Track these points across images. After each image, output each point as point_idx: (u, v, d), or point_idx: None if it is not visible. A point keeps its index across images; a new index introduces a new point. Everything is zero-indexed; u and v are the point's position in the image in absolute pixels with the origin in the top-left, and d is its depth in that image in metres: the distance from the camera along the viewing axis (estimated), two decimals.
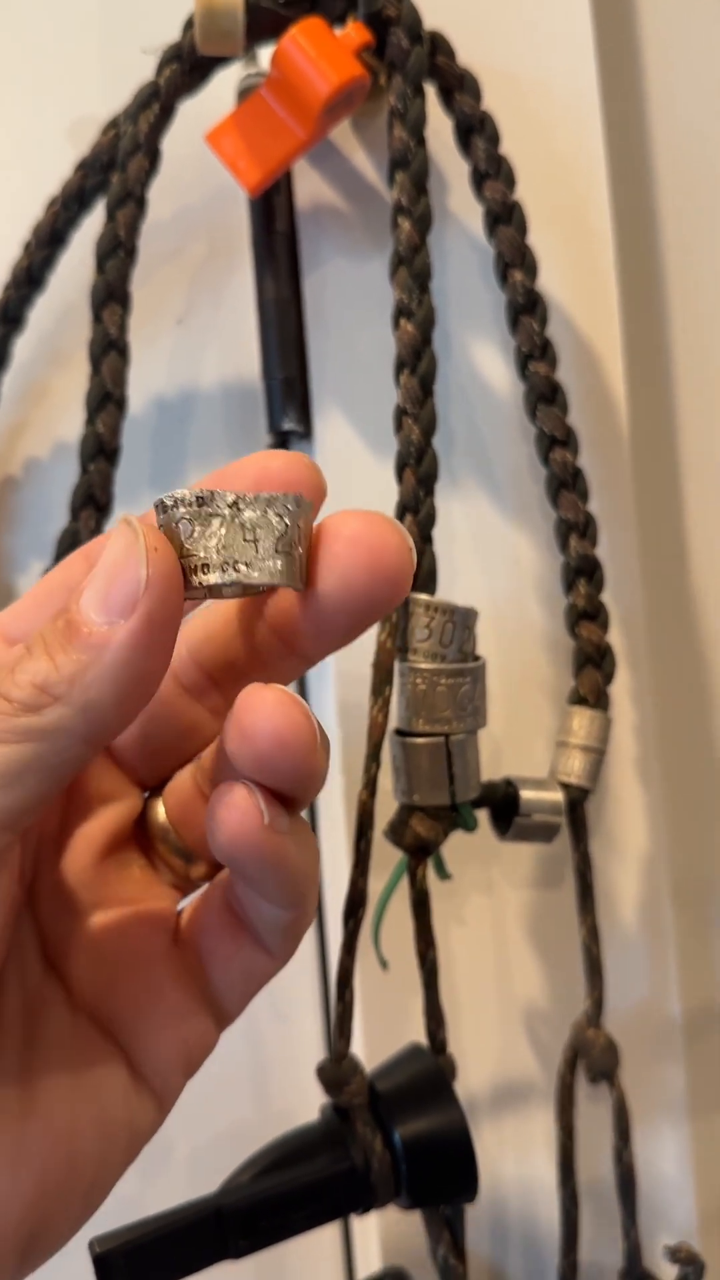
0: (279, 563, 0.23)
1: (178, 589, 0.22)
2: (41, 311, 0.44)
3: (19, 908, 0.27)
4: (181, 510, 0.22)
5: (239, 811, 0.23)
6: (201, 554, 0.22)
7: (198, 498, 0.22)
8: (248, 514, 0.22)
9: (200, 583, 0.23)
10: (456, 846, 0.41)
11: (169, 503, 0.23)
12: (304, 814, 0.45)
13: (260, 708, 0.23)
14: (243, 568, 0.22)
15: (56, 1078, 0.26)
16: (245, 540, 0.22)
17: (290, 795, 0.25)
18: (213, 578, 0.22)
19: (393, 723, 0.37)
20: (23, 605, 0.26)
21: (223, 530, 0.22)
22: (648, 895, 0.44)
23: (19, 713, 0.22)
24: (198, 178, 0.45)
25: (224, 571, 0.22)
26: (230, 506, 0.22)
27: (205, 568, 0.22)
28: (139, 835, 0.29)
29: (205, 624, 0.27)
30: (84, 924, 0.27)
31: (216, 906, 0.28)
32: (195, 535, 0.22)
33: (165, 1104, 0.28)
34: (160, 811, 0.29)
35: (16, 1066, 0.26)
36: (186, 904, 0.29)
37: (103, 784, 0.28)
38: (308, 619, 0.24)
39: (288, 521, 0.23)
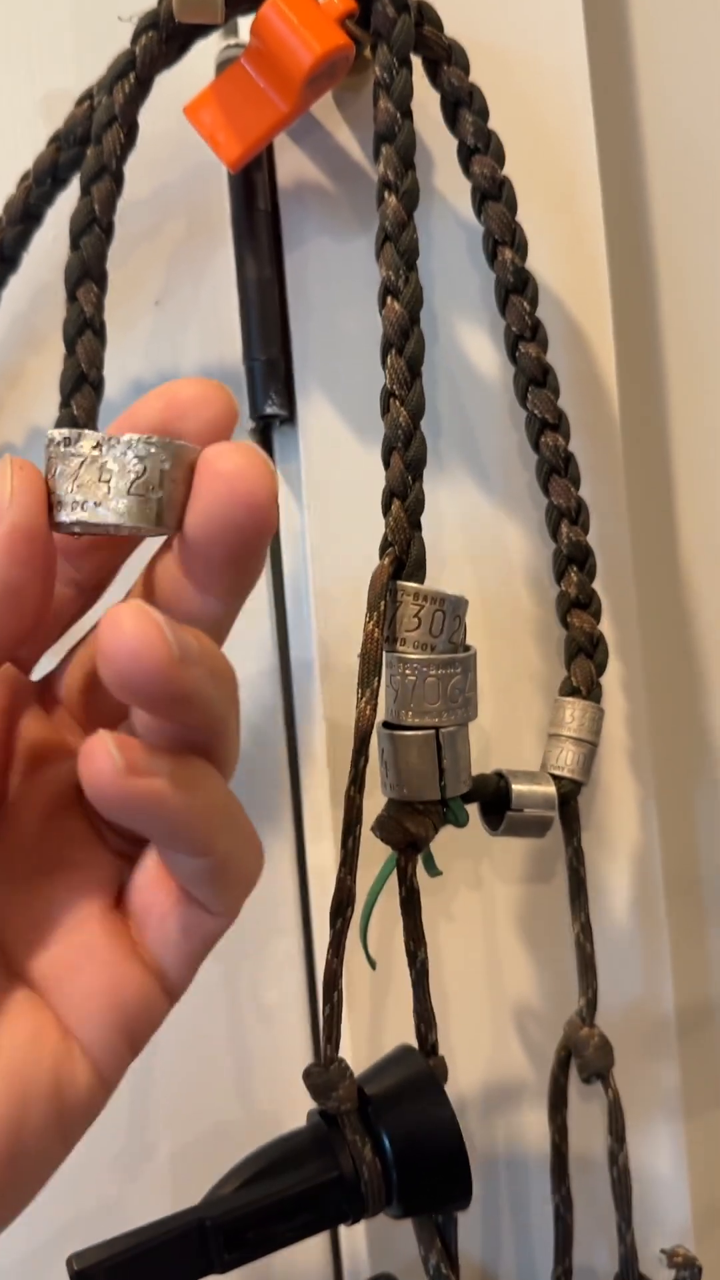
0: (127, 503, 0.23)
1: (40, 505, 0.23)
2: (14, 291, 0.42)
3: None
4: (50, 449, 0.24)
5: (93, 760, 0.24)
6: (59, 492, 0.24)
7: (64, 437, 0.23)
8: (107, 456, 0.23)
9: (55, 519, 0.24)
10: (444, 841, 0.40)
11: (47, 439, 0.24)
12: (288, 808, 0.44)
13: (114, 625, 0.23)
14: (90, 507, 0.23)
15: None
16: (100, 481, 0.23)
17: (174, 722, 0.24)
18: (63, 515, 0.24)
19: (380, 715, 0.36)
20: None
21: (81, 470, 0.23)
22: (640, 890, 0.43)
23: None
24: (175, 154, 0.43)
25: (72, 510, 0.24)
26: (94, 448, 0.23)
27: (59, 505, 0.24)
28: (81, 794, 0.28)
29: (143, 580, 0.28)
30: (21, 886, 0.27)
31: (147, 863, 0.28)
32: (57, 473, 0.24)
33: (106, 1074, 0.27)
34: None
35: None
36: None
37: (44, 739, 0.28)
38: (185, 555, 0.25)
39: (145, 465, 0.23)
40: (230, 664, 0.25)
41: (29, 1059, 0.26)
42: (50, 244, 0.42)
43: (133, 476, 0.23)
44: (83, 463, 0.23)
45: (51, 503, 0.24)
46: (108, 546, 0.28)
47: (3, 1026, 0.26)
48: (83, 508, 0.23)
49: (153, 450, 0.23)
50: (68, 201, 0.40)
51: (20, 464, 0.24)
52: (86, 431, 0.23)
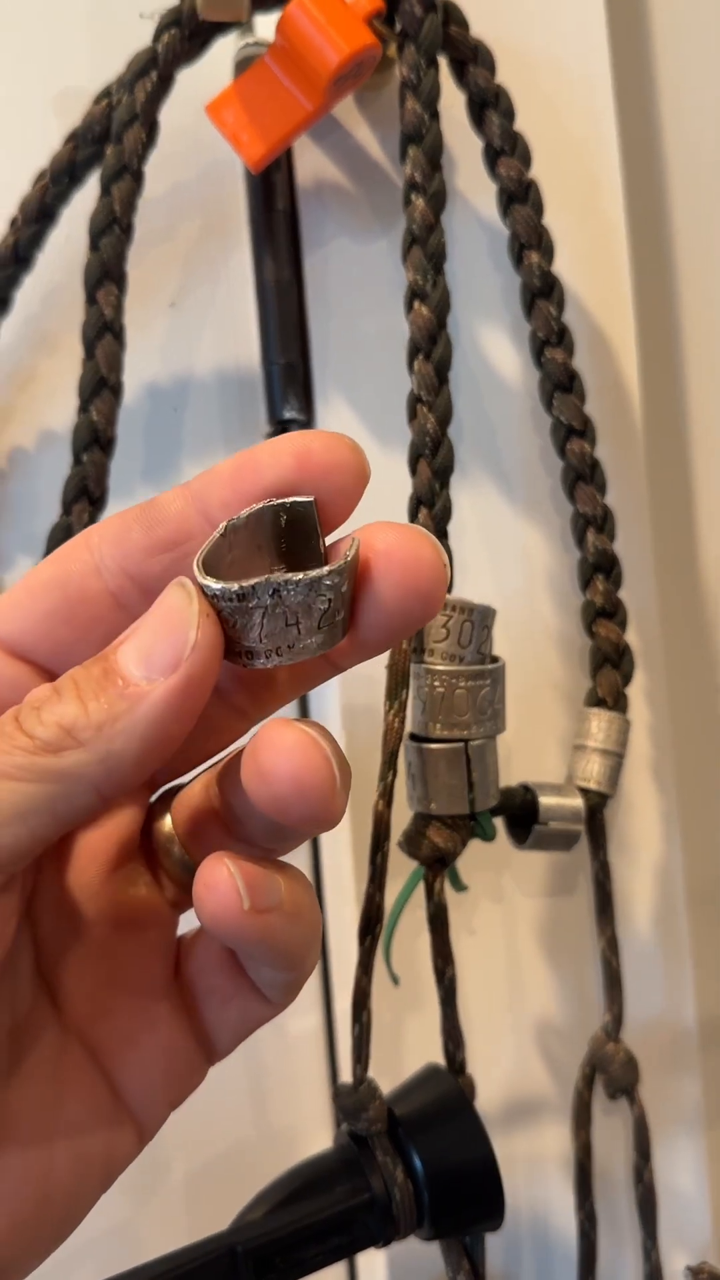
0: (319, 639, 0.23)
1: (219, 659, 0.22)
2: (26, 293, 0.42)
3: (19, 921, 0.25)
4: (223, 604, 0.22)
5: (218, 894, 0.23)
6: (247, 642, 0.22)
7: (238, 593, 0.22)
8: (290, 600, 0.22)
9: (247, 665, 0.23)
10: (465, 854, 0.39)
11: (208, 591, 0.22)
12: None
13: (280, 747, 0.22)
14: (285, 653, 0.23)
15: (37, 1107, 0.25)
16: (287, 626, 0.22)
17: (298, 836, 0.25)
18: (258, 663, 0.23)
19: (408, 728, 0.36)
20: (13, 599, 0.24)
21: (264, 621, 0.22)
22: (662, 903, 0.43)
23: (39, 752, 0.21)
24: (192, 152, 0.43)
25: (268, 658, 0.23)
26: (272, 597, 0.22)
27: (250, 654, 0.23)
28: (143, 845, 0.27)
29: None
30: (85, 944, 0.26)
31: (217, 947, 0.27)
32: (238, 625, 0.22)
33: (145, 1136, 0.27)
34: (167, 821, 0.27)
35: None
36: (185, 931, 0.28)
37: None
38: (348, 641, 0.24)
39: (329, 598, 0.22)
40: (347, 762, 0.24)
41: (94, 1135, 0.26)
42: (63, 244, 0.41)
43: (320, 613, 0.22)
44: (264, 614, 0.22)
45: (239, 650, 0.22)
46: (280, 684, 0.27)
47: (67, 1097, 0.25)
48: (278, 654, 0.22)
49: (333, 583, 0.22)
50: (83, 199, 0.39)
51: (207, 610, 0.22)
52: (257, 584, 0.22)
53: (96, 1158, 0.26)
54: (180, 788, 0.27)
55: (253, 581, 0.22)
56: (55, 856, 0.26)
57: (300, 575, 0.22)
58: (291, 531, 0.23)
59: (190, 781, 0.27)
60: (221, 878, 0.23)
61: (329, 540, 0.24)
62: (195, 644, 0.21)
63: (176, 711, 0.22)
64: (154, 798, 0.28)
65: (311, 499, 0.23)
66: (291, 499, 0.23)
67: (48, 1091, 0.25)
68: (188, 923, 0.27)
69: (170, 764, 0.27)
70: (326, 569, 0.22)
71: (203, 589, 0.22)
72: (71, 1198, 0.25)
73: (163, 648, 0.22)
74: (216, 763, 0.27)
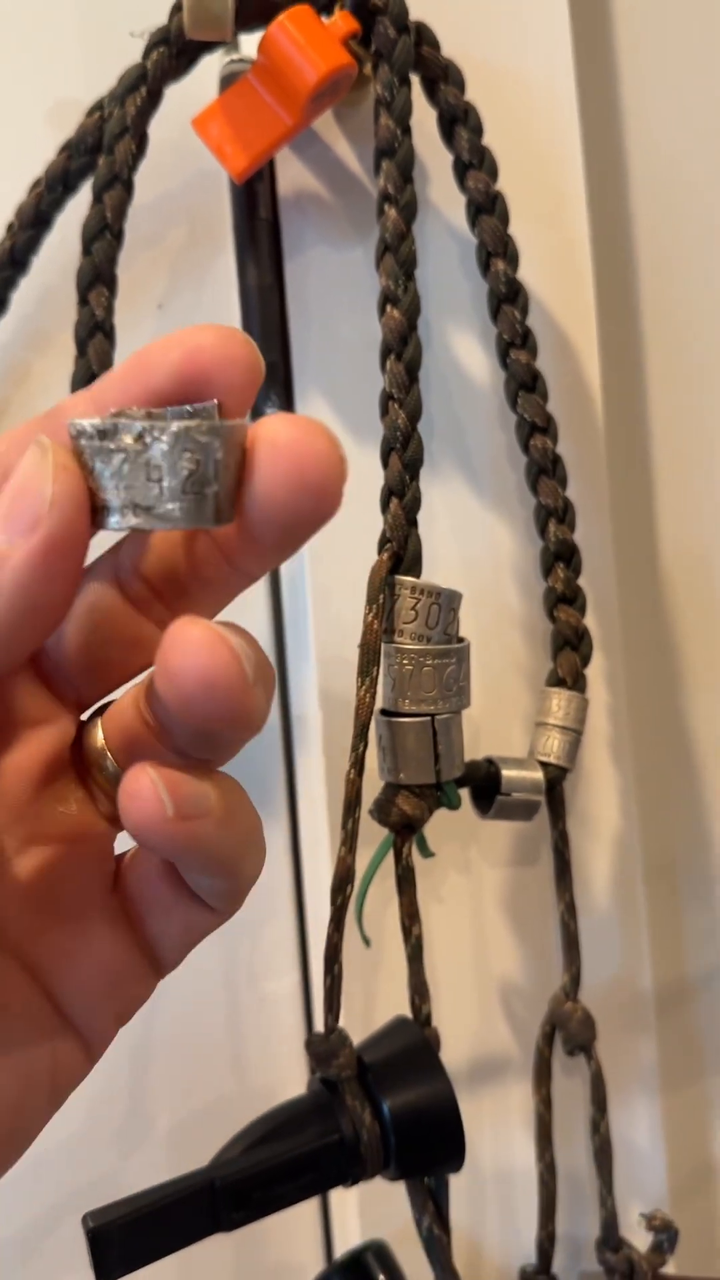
0: (184, 504, 0.21)
1: (82, 513, 0.21)
2: (21, 294, 0.44)
3: None
4: (82, 441, 0.21)
5: (140, 802, 0.22)
6: (102, 494, 0.21)
7: (98, 429, 0.20)
8: (155, 449, 0.20)
9: (101, 523, 0.21)
10: (435, 826, 0.41)
11: (73, 430, 0.21)
12: (282, 793, 0.45)
13: (186, 645, 0.21)
14: (142, 513, 0.21)
15: None
16: (149, 480, 0.21)
17: (220, 738, 0.24)
18: (113, 520, 0.21)
19: (378, 703, 0.38)
20: None
21: (125, 468, 0.21)
22: (620, 872, 0.46)
23: None
24: (179, 163, 0.45)
25: (123, 515, 0.21)
26: (136, 439, 0.20)
27: (105, 509, 0.21)
28: (75, 761, 0.26)
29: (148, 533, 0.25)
30: (16, 863, 0.25)
31: (156, 859, 0.26)
32: (97, 469, 0.21)
33: (94, 1052, 0.27)
34: (98, 736, 0.26)
35: None
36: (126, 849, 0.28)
37: (31, 706, 0.25)
38: (229, 543, 0.23)
39: (198, 457, 0.20)
40: (269, 662, 0.24)
41: (38, 1049, 0.26)
42: (56, 248, 0.43)
43: (186, 473, 0.20)
44: (125, 459, 0.20)
45: (95, 504, 0.21)
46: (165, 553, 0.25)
47: (6, 1014, 0.25)
48: (134, 512, 0.21)
49: (204, 440, 0.20)
50: (76, 206, 0.41)
51: (63, 463, 0.21)
52: (122, 420, 0.20)
53: (42, 1073, 0.25)
54: (111, 703, 0.27)
55: (116, 419, 0.20)
56: None
57: (169, 423, 0.20)
58: None
59: (120, 696, 0.26)
60: (143, 785, 0.22)
61: None
62: (53, 499, 0.20)
63: (43, 572, 0.21)
64: (86, 716, 0.27)
65: (214, 403, 0.22)
66: (197, 405, 0.22)
67: None
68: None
69: (96, 681, 0.26)
70: (197, 422, 0.20)
71: (70, 429, 0.21)
72: (17, 1113, 0.25)
73: (19, 508, 0.21)
74: (146, 675, 0.26)
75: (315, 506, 0.22)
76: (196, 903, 0.26)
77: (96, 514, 0.21)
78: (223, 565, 0.24)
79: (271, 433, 0.21)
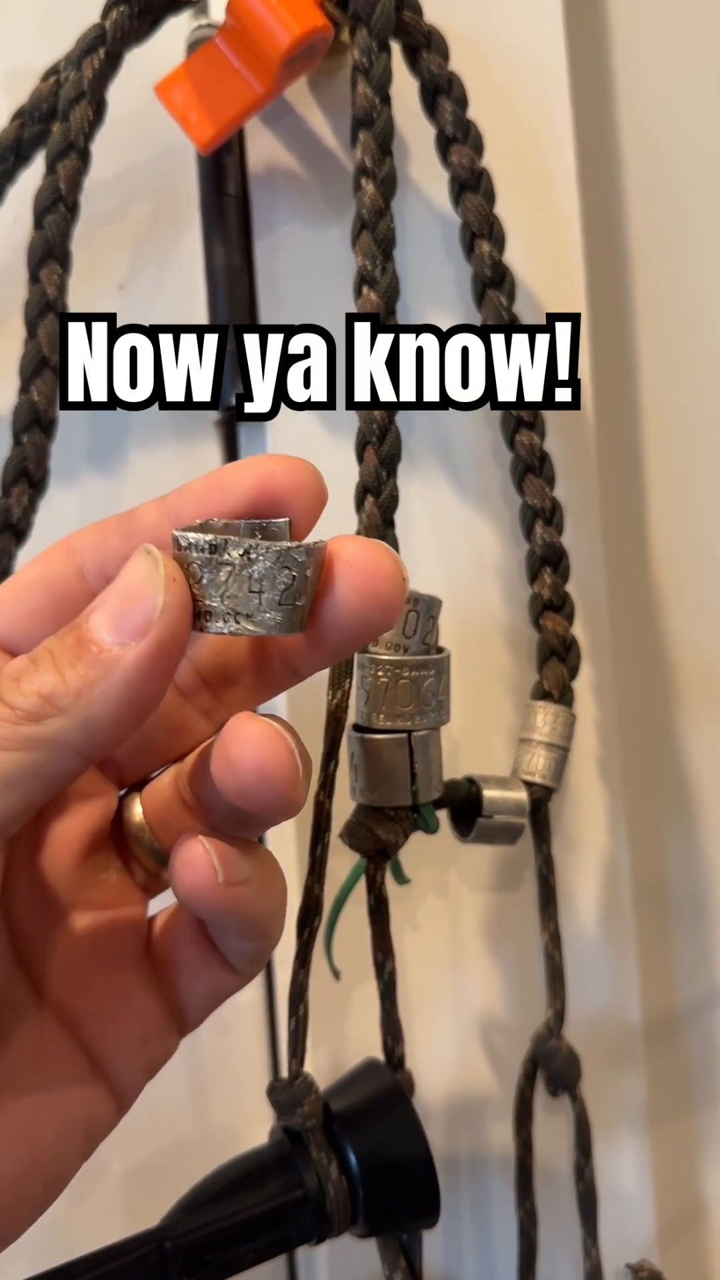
0: (279, 615, 0.24)
1: (188, 621, 0.23)
2: None
3: None
4: (194, 555, 0.23)
5: (194, 869, 0.25)
6: (208, 601, 0.24)
7: (210, 544, 0.23)
8: (257, 567, 0.23)
9: (203, 627, 0.24)
10: (411, 847, 0.39)
11: (183, 543, 0.23)
12: None
13: (247, 740, 0.24)
14: (243, 620, 0.24)
15: (21, 1074, 0.26)
16: (250, 592, 0.23)
17: (262, 821, 0.27)
18: (215, 625, 0.24)
19: (351, 718, 0.35)
20: (1, 598, 0.26)
21: (230, 581, 0.23)
22: (608, 898, 0.43)
23: (21, 721, 0.23)
24: (143, 135, 0.42)
25: (225, 622, 0.24)
26: (241, 556, 0.23)
27: (209, 614, 0.24)
28: (114, 834, 0.29)
29: None
30: (59, 925, 0.28)
31: (188, 921, 0.29)
32: (205, 581, 0.23)
33: (124, 1104, 0.28)
34: (138, 811, 0.29)
35: None
36: (158, 910, 0.29)
37: (82, 782, 0.28)
38: (305, 639, 0.26)
39: (294, 574, 0.23)
40: (308, 753, 0.26)
41: (75, 1101, 0.27)
42: (10, 225, 0.40)
43: (283, 588, 0.23)
44: (231, 573, 0.23)
45: (198, 609, 0.24)
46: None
47: (48, 1065, 0.27)
48: (236, 619, 0.24)
49: (300, 559, 0.23)
50: (30, 178, 0.38)
51: (173, 575, 0.23)
52: (230, 538, 0.23)
53: (79, 1122, 0.27)
54: (148, 780, 0.29)
55: (226, 535, 0.23)
56: (28, 843, 0.28)
57: (272, 542, 0.23)
58: None
59: (159, 774, 0.29)
60: (198, 854, 0.25)
61: None
62: (164, 607, 0.23)
63: (150, 674, 0.23)
64: (124, 792, 0.29)
65: (287, 520, 0.25)
66: (269, 520, 0.24)
67: (30, 1060, 0.26)
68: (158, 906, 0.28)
69: (140, 762, 0.29)
70: (297, 543, 0.23)
71: (176, 541, 0.23)
72: (57, 1160, 0.27)
73: (132, 613, 0.23)
74: (185, 759, 0.29)
75: (382, 616, 0.24)
76: (224, 966, 0.28)
77: (199, 618, 0.24)
78: (276, 664, 0.27)
79: (349, 554, 0.24)
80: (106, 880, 0.28)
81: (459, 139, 0.39)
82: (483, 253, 0.39)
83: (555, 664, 0.40)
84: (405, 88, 0.39)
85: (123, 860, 0.29)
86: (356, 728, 0.35)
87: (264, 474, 0.24)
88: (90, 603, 0.25)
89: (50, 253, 0.37)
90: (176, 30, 0.40)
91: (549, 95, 0.43)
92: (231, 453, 0.44)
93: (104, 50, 0.37)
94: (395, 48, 0.38)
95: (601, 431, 0.43)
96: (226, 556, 0.23)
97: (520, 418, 0.39)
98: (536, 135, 0.43)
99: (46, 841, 0.28)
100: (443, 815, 0.38)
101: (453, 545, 0.42)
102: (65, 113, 0.37)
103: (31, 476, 0.37)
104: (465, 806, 0.38)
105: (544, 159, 0.43)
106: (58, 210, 0.37)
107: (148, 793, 0.29)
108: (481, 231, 0.39)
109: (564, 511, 0.40)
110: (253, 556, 0.23)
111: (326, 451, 0.42)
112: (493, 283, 0.39)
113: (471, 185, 0.39)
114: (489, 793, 0.38)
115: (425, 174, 0.42)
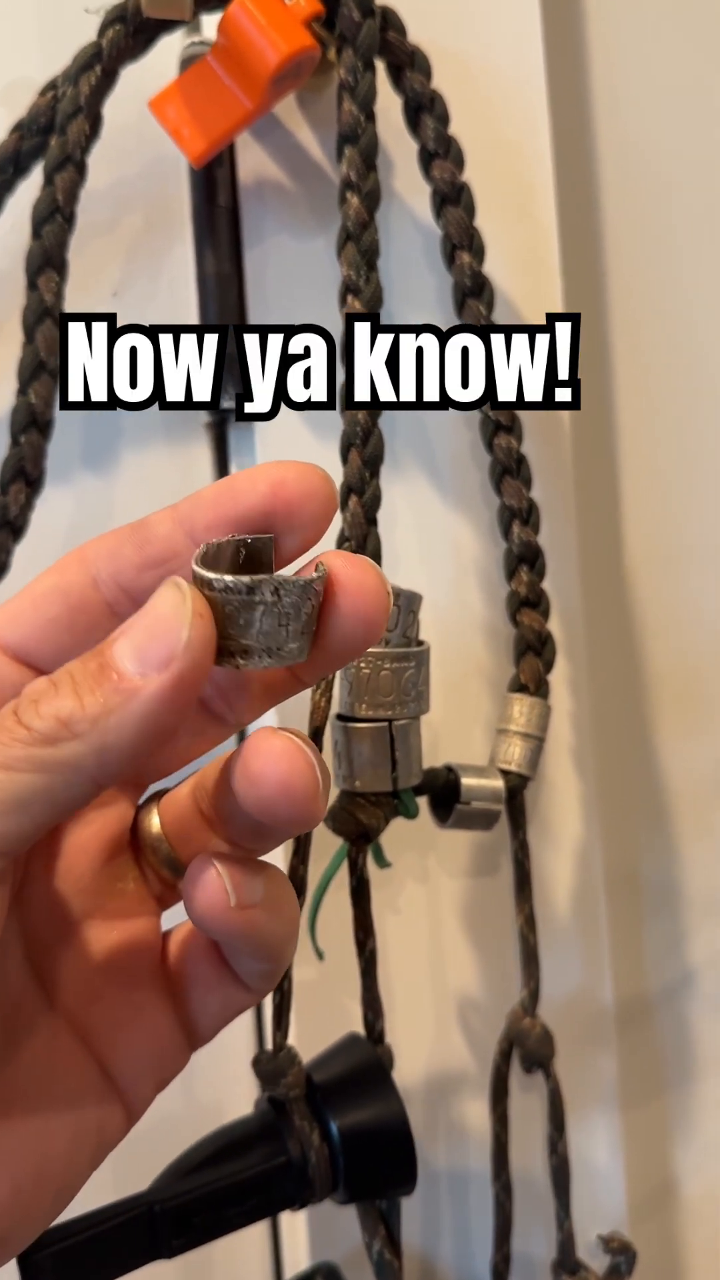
0: (299, 644, 0.24)
1: (211, 656, 0.23)
2: None
3: (7, 911, 0.26)
4: (231, 597, 0.23)
5: (207, 892, 0.25)
6: (243, 639, 0.24)
7: (246, 586, 0.23)
8: (286, 600, 0.23)
9: (238, 665, 0.24)
10: (392, 834, 0.40)
11: (217, 585, 0.23)
12: None
13: (269, 755, 0.24)
14: (275, 655, 0.24)
15: (33, 1084, 0.26)
16: (279, 626, 0.23)
17: (280, 835, 0.27)
18: (251, 662, 0.24)
19: (334, 708, 0.37)
20: (18, 607, 0.26)
21: (263, 619, 0.23)
22: (581, 884, 0.44)
23: (37, 743, 0.22)
24: (136, 147, 0.44)
25: (260, 659, 0.24)
26: (273, 593, 0.23)
27: (246, 652, 0.24)
28: (130, 843, 0.29)
29: None
30: (75, 935, 0.28)
31: (202, 939, 0.28)
32: (241, 620, 0.23)
33: (134, 1115, 0.28)
34: (155, 822, 0.29)
35: None
36: (173, 926, 0.29)
37: None
38: (293, 671, 0.26)
39: (314, 604, 0.24)
40: (327, 768, 0.26)
41: (86, 1110, 0.27)
42: (7, 233, 0.42)
43: (305, 619, 0.24)
44: (264, 610, 0.23)
45: (232, 648, 0.24)
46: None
47: (60, 1075, 0.27)
48: (269, 655, 0.24)
49: (319, 589, 0.24)
50: (27, 189, 0.40)
51: (199, 611, 0.23)
52: (263, 577, 0.23)
53: (89, 1133, 0.27)
54: (166, 790, 0.29)
55: (260, 577, 0.23)
56: (45, 852, 0.28)
57: (296, 577, 0.23)
58: (248, 564, 0.25)
59: (178, 785, 0.29)
60: (210, 877, 0.25)
61: (290, 570, 0.25)
62: (188, 642, 0.22)
63: (169, 706, 0.22)
64: (142, 799, 0.29)
65: (270, 536, 0.25)
66: (253, 536, 0.24)
67: (42, 1070, 0.26)
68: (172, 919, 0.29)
69: (157, 767, 0.28)
70: (314, 575, 0.24)
71: (210, 582, 0.23)
72: (67, 1169, 0.27)
73: (156, 645, 0.23)
74: (203, 770, 0.29)
75: (368, 634, 0.25)
76: (236, 983, 0.28)
77: (234, 656, 0.24)
78: (285, 675, 0.27)
79: (344, 576, 0.24)
80: (124, 889, 0.28)
81: (441, 154, 0.40)
82: (463, 263, 0.40)
83: (531, 658, 0.41)
84: (389, 104, 0.40)
85: (139, 870, 0.29)
86: (340, 717, 0.37)
87: (276, 480, 0.24)
88: (104, 612, 0.25)
89: (48, 261, 0.38)
90: (170, 48, 0.41)
91: (529, 111, 0.44)
92: (221, 454, 0.45)
93: (100, 67, 0.39)
94: (380, 66, 0.40)
95: (577, 435, 0.45)
96: (259, 596, 0.23)
97: (498, 421, 0.41)
98: (516, 150, 0.44)
99: (64, 849, 0.28)
100: (422, 802, 0.39)
101: (433, 543, 0.44)
102: (63, 127, 0.39)
103: (28, 475, 0.39)
104: (444, 793, 0.39)
105: (523, 173, 0.44)
106: (55, 220, 0.38)
107: (165, 804, 0.29)
108: (462, 243, 0.40)
109: (540, 512, 0.41)
110: (282, 594, 0.23)
111: (313, 453, 0.43)
112: (472, 292, 0.40)
113: (453, 199, 0.40)
114: (467, 780, 0.39)
115: (408, 187, 0.43)
